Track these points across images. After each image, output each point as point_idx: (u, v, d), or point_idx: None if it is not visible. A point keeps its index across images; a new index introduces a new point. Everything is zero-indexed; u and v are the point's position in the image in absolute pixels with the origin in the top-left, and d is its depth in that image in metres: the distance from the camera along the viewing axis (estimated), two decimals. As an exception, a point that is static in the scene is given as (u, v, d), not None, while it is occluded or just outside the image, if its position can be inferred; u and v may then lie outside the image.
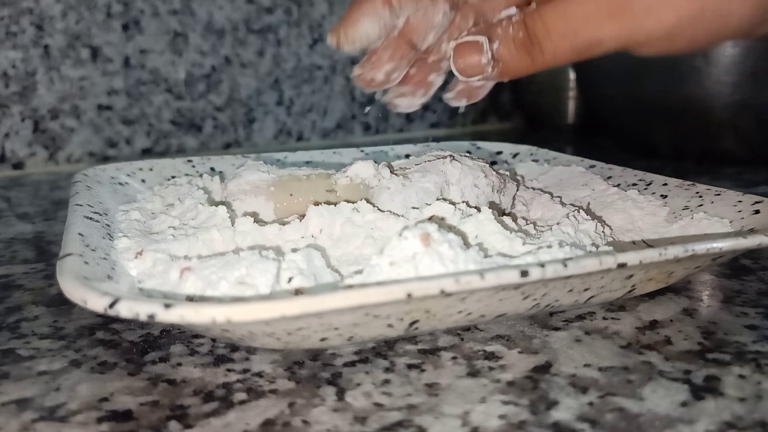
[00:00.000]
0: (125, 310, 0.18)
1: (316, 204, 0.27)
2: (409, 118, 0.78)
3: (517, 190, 0.33)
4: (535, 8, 0.28)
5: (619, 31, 0.27)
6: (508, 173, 0.33)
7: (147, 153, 0.63)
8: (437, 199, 0.28)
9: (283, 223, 0.27)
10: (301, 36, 0.69)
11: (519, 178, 0.36)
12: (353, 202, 0.27)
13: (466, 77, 0.29)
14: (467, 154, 0.32)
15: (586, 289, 0.23)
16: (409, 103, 0.33)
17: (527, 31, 0.29)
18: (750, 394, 0.20)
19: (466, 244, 0.22)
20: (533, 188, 0.35)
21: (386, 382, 0.21)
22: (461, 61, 0.29)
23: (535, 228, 0.29)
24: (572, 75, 0.74)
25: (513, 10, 0.30)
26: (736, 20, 0.27)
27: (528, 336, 0.24)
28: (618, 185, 0.33)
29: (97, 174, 0.35)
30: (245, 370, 0.22)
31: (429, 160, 0.31)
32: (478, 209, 0.26)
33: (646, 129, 0.58)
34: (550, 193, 0.33)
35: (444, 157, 0.31)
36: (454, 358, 0.22)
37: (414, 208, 0.27)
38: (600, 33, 0.28)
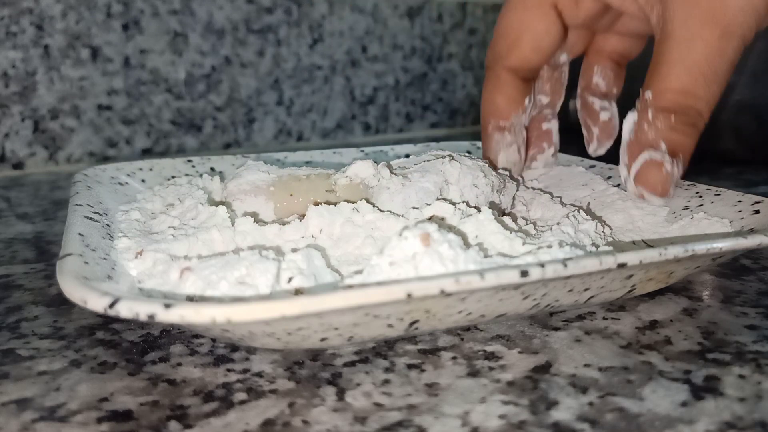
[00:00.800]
0: (125, 310, 0.18)
1: (316, 204, 0.27)
2: (409, 118, 0.78)
3: (517, 190, 0.33)
4: (660, 82, 0.29)
5: (738, 41, 0.28)
6: (507, 173, 0.34)
7: (147, 153, 0.63)
8: (437, 199, 0.28)
9: (283, 223, 0.27)
10: (301, 36, 0.69)
11: (519, 178, 0.36)
12: (353, 202, 0.27)
13: (665, 195, 0.29)
14: (467, 154, 0.32)
15: (586, 289, 0.23)
16: (544, 159, 0.37)
17: (676, 110, 0.29)
18: (750, 394, 0.20)
19: (466, 244, 0.23)
20: (533, 188, 0.35)
21: (386, 382, 0.21)
22: (652, 186, 0.29)
23: (535, 228, 0.29)
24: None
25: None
26: None
27: (528, 336, 0.24)
28: (618, 185, 0.33)
29: (97, 174, 0.35)
30: (245, 370, 0.22)
31: (428, 160, 0.31)
32: (478, 209, 0.26)
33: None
34: (550, 193, 0.33)
35: (443, 157, 0.31)
36: (454, 358, 0.22)
37: (414, 208, 0.27)
38: (729, 59, 0.28)
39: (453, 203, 0.27)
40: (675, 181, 0.29)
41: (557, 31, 0.34)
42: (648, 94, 0.29)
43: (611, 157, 0.39)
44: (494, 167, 0.34)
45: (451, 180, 0.29)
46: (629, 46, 0.37)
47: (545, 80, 0.37)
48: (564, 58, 0.37)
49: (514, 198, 0.32)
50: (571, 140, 0.71)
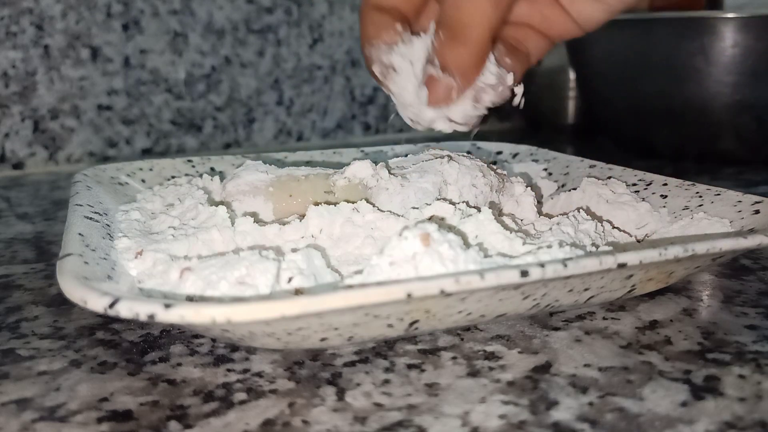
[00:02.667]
0: (125, 310, 0.18)
1: (316, 204, 0.27)
2: (409, 118, 0.78)
3: (524, 190, 0.33)
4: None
5: None
6: (506, 173, 0.33)
7: (147, 153, 0.63)
8: (437, 199, 0.28)
9: (283, 223, 0.27)
10: (301, 36, 0.69)
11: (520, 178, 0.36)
12: (352, 203, 0.27)
13: (446, 103, 0.29)
14: (466, 154, 0.32)
15: (586, 289, 0.23)
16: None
17: (444, 23, 0.28)
18: (750, 394, 0.20)
19: (466, 244, 0.22)
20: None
21: (386, 382, 0.21)
22: (432, 98, 0.29)
23: (535, 228, 0.29)
24: (572, 75, 0.74)
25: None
26: None
27: (528, 336, 0.24)
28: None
29: (97, 174, 0.35)
30: (245, 370, 0.22)
31: (426, 160, 0.31)
32: (478, 209, 0.26)
33: (646, 129, 0.58)
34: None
35: (442, 157, 0.31)
36: (454, 358, 0.22)
37: (414, 208, 0.27)
38: None
39: (453, 203, 0.27)
40: (456, 91, 0.29)
41: None
42: None
43: (611, 156, 0.39)
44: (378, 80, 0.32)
45: (449, 180, 0.29)
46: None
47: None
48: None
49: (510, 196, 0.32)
50: (572, 140, 0.70)
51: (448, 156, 0.31)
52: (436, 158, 0.31)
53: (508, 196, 0.32)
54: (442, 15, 0.29)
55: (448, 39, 0.29)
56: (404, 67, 0.30)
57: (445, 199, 0.28)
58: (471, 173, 0.30)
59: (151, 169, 0.38)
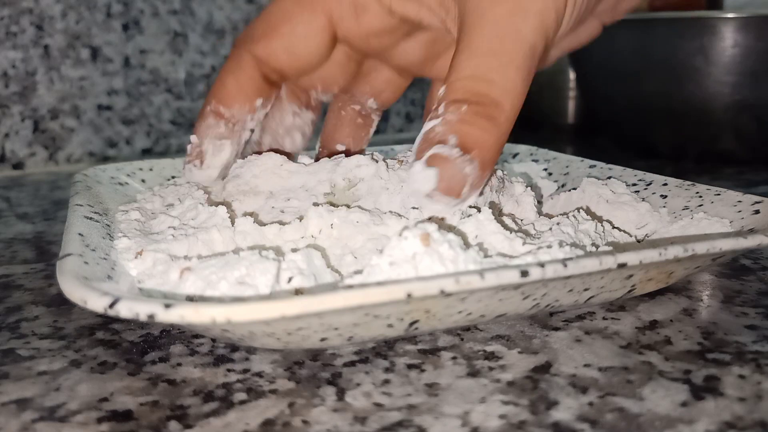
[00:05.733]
0: (125, 310, 0.18)
1: (315, 205, 0.27)
2: (409, 118, 0.78)
3: (525, 190, 0.33)
4: (451, 73, 0.25)
5: (533, 20, 0.24)
6: (506, 173, 0.33)
7: (147, 153, 0.63)
8: None
9: (283, 224, 0.27)
10: (301, 36, 0.69)
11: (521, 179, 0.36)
12: (353, 201, 0.27)
13: (457, 197, 0.24)
14: None
15: (586, 289, 0.23)
16: None
17: (467, 99, 0.24)
18: (750, 394, 0.20)
19: (466, 244, 0.22)
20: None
21: (386, 382, 0.21)
22: (443, 186, 0.24)
23: (535, 228, 0.29)
24: (572, 75, 0.74)
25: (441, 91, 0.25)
26: None
27: (528, 336, 0.24)
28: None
29: (97, 174, 0.35)
30: (245, 370, 0.22)
31: None
32: (478, 209, 0.26)
33: (646, 129, 0.58)
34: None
35: None
36: (454, 358, 0.22)
37: (414, 208, 0.27)
38: (524, 38, 0.24)
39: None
40: (471, 182, 0.24)
41: (319, 42, 0.29)
42: (441, 91, 0.25)
43: (611, 156, 0.39)
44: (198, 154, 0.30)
45: None
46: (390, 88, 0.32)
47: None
48: (317, 91, 0.32)
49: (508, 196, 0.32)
50: (572, 140, 0.71)
51: None
52: None
53: (508, 196, 0.32)
54: (457, 91, 0.24)
55: (474, 115, 0.24)
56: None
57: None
58: None
59: (151, 169, 0.38)
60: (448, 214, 0.25)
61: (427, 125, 0.25)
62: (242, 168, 0.30)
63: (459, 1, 0.25)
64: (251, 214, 0.28)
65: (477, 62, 0.24)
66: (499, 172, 0.32)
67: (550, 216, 0.31)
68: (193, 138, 0.31)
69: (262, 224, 0.27)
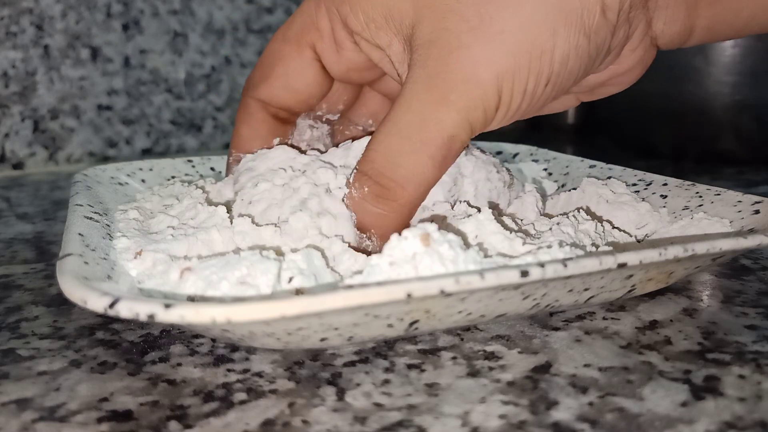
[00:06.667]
0: (125, 310, 0.18)
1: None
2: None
3: (523, 188, 0.33)
4: (371, 142, 0.25)
5: (457, 114, 0.24)
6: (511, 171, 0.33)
7: (147, 153, 0.63)
8: (448, 192, 0.28)
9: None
10: (301, 36, 0.69)
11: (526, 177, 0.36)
12: None
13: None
14: (478, 149, 0.31)
15: (586, 289, 0.23)
16: None
17: (372, 176, 0.25)
18: (750, 394, 0.20)
19: (466, 244, 0.22)
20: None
21: (386, 382, 0.21)
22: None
23: (535, 228, 0.28)
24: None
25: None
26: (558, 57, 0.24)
27: (528, 336, 0.24)
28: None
29: (97, 174, 0.35)
30: (245, 370, 0.22)
31: None
32: (478, 209, 0.26)
33: (646, 129, 0.58)
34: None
35: None
36: (454, 358, 0.22)
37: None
38: (444, 127, 0.24)
39: (452, 204, 0.27)
40: (372, 249, 0.25)
41: (313, 75, 0.30)
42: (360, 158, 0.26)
43: (611, 156, 0.39)
44: None
45: (465, 173, 0.29)
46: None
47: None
48: (323, 111, 0.33)
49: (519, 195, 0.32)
50: (572, 140, 0.71)
51: (465, 148, 0.30)
52: None
53: (516, 193, 0.32)
54: (367, 164, 0.25)
55: (374, 196, 0.25)
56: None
57: (447, 201, 0.28)
58: (486, 167, 0.30)
59: (151, 169, 0.38)
60: None
61: (347, 187, 0.26)
62: (255, 161, 0.30)
63: (410, 66, 0.26)
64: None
65: (392, 142, 0.25)
66: (507, 168, 0.32)
67: (550, 216, 0.31)
68: None
69: (259, 225, 0.27)
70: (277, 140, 0.31)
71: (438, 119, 0.24)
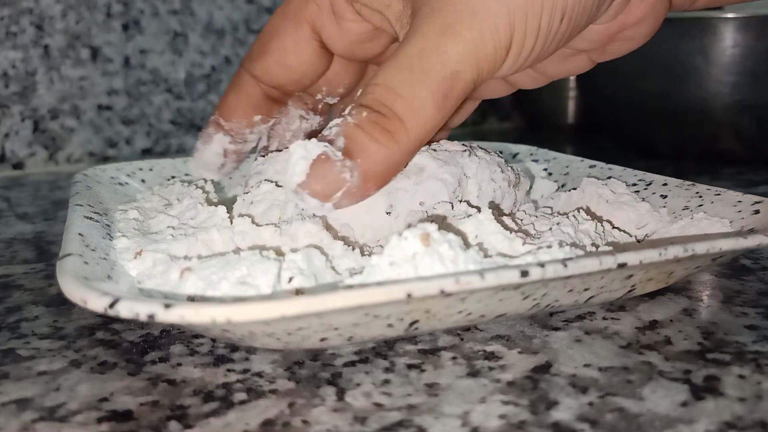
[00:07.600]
0: (125, 310, 0.18)
1: None
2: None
3: (531, 186, 0.33)
4: (366, 84, 0.24)
5: (464, 47, 0.23)
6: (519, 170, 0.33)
7: (147, 153, 0.63)
8: (452, 193, 0.28)
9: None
10: (301, 36, 0.69)
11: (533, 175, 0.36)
12: None
13: (325, 200, 0.23)
14: (483, 148, 0.31)
15: (586, 289, 0.23)
16: None
17: (371, 105, 0.23)
18: (750, 394, 0.20)
19: (466, 244, 0.22)
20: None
21: (386, 382, 0.21)
22: (312, 186, 0.22)
23: (535, 228, 0.28)
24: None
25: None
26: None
27: (528, 336, 0.24)
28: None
29: (97, 174, 0.35)
30: (245, 370, 0.22)
31: (447, 150, 0.30)
32: (479, 209, 0.26)
33: (646, 129, 0.58)
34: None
35: (462, 151, 0.30)
36: (454, 358, 0.22)
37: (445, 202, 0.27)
38: (447, 60, 0.23)
39: (452, 204, 0.27)
40: (348, 189, 0.23)
41: (308, 52, 0.29)
42: (358, 93, 0.25)
43: (611, 156, 0.39)
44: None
45: (469, 173, 0.29)
46: None
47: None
48: (322, 94, 0.32)
49: (528, 193, 0.32)
50: (572, 140, 0.71)
51: (469, 149, 0.30)
52: (456, 151, 0.30)
53: (522, 191, 0.31)
54: (366, 96, 0.23)
55: (370, 122, 0.23)
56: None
57: (447, 201, 0.28)
58: (490, 168, 0.29)
59: (151, 169, 0.38)
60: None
61: (331, 123, 0.24)
62: (264, 165, 0.30)
63: (413, 14, 0.25)
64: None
65: (393, 73, 0.23)
66: (514, 167, 0.32)
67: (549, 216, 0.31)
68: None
69: (259, 225, 0.27)
70: (258, 118, 0.31)
71: (441, 51, 0.23)
